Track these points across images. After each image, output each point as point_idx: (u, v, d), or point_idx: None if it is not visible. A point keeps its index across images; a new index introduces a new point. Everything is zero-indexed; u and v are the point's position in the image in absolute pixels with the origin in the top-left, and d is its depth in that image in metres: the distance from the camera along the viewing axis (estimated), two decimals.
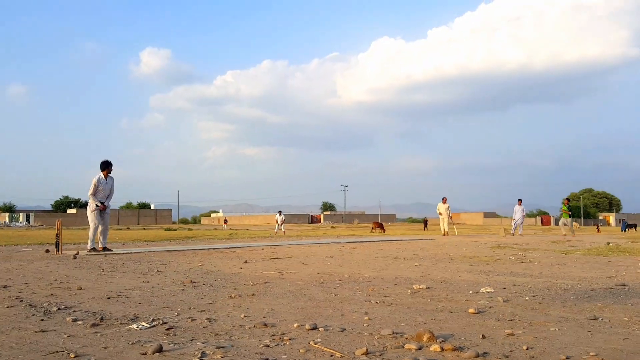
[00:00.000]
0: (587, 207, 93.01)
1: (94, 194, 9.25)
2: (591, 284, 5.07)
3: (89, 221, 9.31)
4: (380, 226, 31.09)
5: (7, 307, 3.85)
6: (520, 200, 21.06)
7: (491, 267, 6.72)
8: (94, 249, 9.25)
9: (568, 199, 20.45)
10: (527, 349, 2.56)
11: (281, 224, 28.10)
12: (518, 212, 20.78)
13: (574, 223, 20.33)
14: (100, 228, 9.33)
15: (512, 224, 21.24)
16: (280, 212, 28.33)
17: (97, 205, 9.32)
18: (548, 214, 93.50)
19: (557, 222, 23.02)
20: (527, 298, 4.18)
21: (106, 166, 9.42)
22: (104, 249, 9.40)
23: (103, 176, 9.40)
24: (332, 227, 46.18)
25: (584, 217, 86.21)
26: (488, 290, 4.61)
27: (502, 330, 2.99)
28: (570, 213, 19.73)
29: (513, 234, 20.33)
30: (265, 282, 5.23)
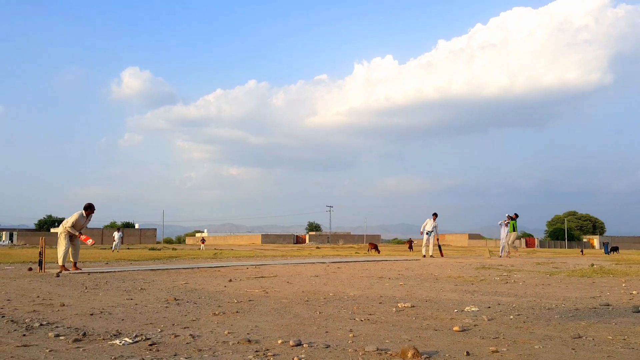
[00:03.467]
0: (572, 230, 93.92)
1: (72, 227, 9.76)
2: (575, 303, 5.12)
3: (59, 244, 9.81)
4: (375, 247, 31.16)
5: None
6: (506, 221, 20.94)
7: (476, 287, 6.75)
8: (64, 267, 9.58)
9: (515, 215, 20.32)
10: None
11: None
12: (504, 232, 20.60)
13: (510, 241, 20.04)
14: (70, 250, 9.79)
15: (500, 245, 20.99)
16: None
17: (70, 234, 9.82)
18: (532, 236, 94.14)
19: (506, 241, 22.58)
20: (511, 317, 4.21)
21: (89, 208, 10.04)
22: (75, 264, 9.81)
23: (84, 215, 9.94)
24: (317, 248, 45.97)
25: (568, 240, 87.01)
26: (473, 309, 4.63)
27: (487, 347, 3.01)
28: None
29: (501, 256, 20.04)
30: (250, 300, 5.19)
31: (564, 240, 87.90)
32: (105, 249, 35.65)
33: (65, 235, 9.76)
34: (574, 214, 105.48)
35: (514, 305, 4.91)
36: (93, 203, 10.11)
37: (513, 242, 19.38)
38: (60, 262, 9.62)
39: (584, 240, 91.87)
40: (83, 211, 9.90)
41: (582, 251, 35.44)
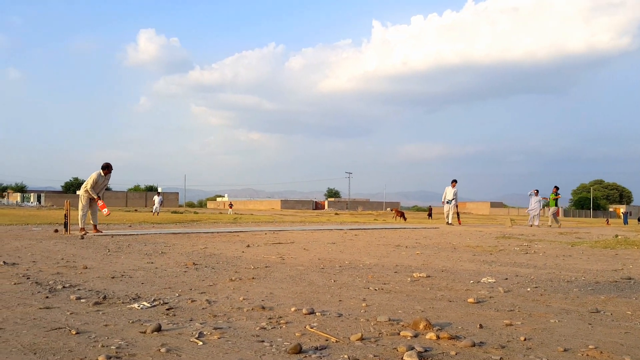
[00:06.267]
0: (598, 199, 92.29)
1: (92, 188, 9.99)
2: (596, 276, 5.04)
3: (80, 207, 10.08)
4: (402, 214, 31.13)
5: (14, 284, 3.91)
6: (536, 190, 20.72)
7: (494, 257, 6.71)
8: (83, 229, 9.84)
9: (557, 187, 19.82)
10: (525, 339, 2.56)
11: None
12: (533, 202, 20.38)
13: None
14: (89, 212, 10.06)
15: (529, 215, 20.80)
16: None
17: (91, 198, 10.07)
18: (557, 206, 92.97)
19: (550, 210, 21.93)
20: (528, 289, 4.17)
21: (107, 168, 10.23)
22: (95, 227, 10.06)
23: (102, 174, 10.14)
24: (336, 214, 46.22)
25: (593, 209, 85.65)
26: (489, 280, 4.60)
27: (501, 320, 2.99)
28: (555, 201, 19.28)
29: (531, 226, 19.92)
30: (266, 266, 5.26)
31: (590, 209, 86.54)
32: (129, 211, 36.47)
33: (85, 197, 10.00)
34: (600, 182, 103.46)
35: (532, 277, 4.86)
36: (111, 163, 10.31)
37: (555, 216, 19.17)
38: (80, 224, 9.91)
39: (610, 209, 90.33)
40: (101, 170, 10.11)
41: (607, 221, 34.87)
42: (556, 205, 19.10)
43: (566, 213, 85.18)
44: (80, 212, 10.00)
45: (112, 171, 10.35)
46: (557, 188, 19.49)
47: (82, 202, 10.02)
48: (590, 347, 2.45)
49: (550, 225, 18.27)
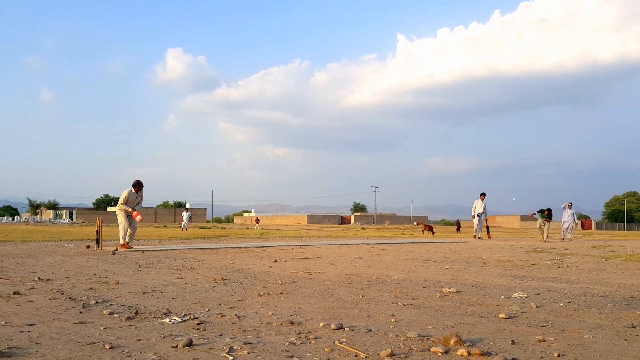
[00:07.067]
0: (632, 212, 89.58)
1: (125, 204, 10.32)
2: (631, 291, 4.90)
3: (119, 223, 10.35)
4: (430, 229, 30.80)
5: (49, 299, 4.02)
6: (570, 203, 20.28)
7: (526, 272, 6.58)
8: (123, 245, 10.09)
9: (549, 209, 18.64)
10: (559, 356, 2.51)
11: None
12: (567, 215, 19.92)
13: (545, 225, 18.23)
14: (129, 230, 10.26)
15: (562, 228, 20.28)
16: None
17: (126, 211, 10.34)
18: (589, 218, 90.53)
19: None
20: (561, 304, 4.08)
21: (137, 185, 10.52)
22: (126, 244, 10.23)
23: (134, 191, 10.43)
24: (363, 228, 46.00)
25: (627, 222, 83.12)
26: (521, 295, 4.52)
27: (534, 336, 2.93)
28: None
29: (563, 239, 19.45)
30: (294, 281, 5.28)
31: (623, 222, 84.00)
32: (158, 227, 37.05)
33: (122, 213, 10.28)
34: (634, 194, 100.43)
35: (564, 292, 4.75)
36: (141, 180, 10.56)
37: (547, 229, 18.12)
38: (121, 241, 10.15)
39: None
40: (132, 188, 10.39)
41: None
42: (547, 220, 18.11)
43: (599, 226, 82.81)
44: (121, 229, 10.23)
45: (144, 188, 10.60)
46: (549, 210, 18.46)
47: (119, 218, 10.29)
48: None
49: (545, 240, 17.28)
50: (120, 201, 10.28)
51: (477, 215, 18.76)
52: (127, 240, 10.19)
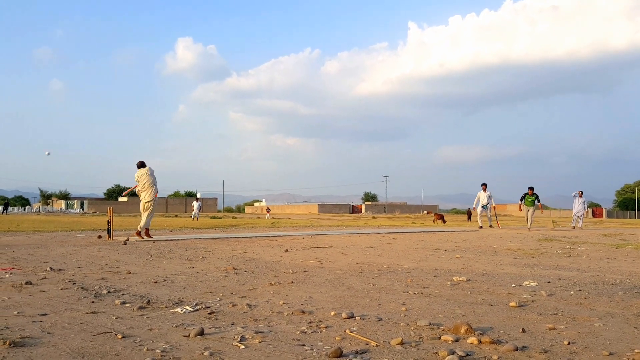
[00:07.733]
0: None
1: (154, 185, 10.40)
2: None
3: (153, 210, 10.40)
4: (441, 218, 30.73)
5: (61, 289, 4.08)
6: (581, 192, 20.10)
7: (536, 260, 6.55)
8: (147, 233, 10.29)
9: (531, 188, 17.88)
10: (569, 344, 2.51)
11: None
12: (578, 204, 19.75)
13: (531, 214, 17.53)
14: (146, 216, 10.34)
15: (573, 216, 20.13)
16: None
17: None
18: (600, 206, 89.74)
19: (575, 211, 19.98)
20: (572, 292, 4.07)
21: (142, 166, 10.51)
22: (140, 232, 10.32)
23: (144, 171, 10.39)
24: (373, 218, 45.98)
25: (638, 210, 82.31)
26: (531, 283, 4.51)
27: (544, 324, 2.93)
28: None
29: (574, 227, 19.31)
30: (305, 271, 5.30)
31: (634, 210, 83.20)
32: (169, 217, 37.31)
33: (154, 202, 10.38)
34: None
35: (575, 280, 4.73)
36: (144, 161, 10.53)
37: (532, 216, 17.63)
38: (146, 227, 10.30)
39: None
40: (149, 167, 10.44)
41: None
42: (534, 205, 17.60)
43: (610, 214, 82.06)
44: (152, 216, 10.39)
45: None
46: (531, 189, 17.89)
47: (154, 204, 10.40)
48: (636, 351, 2.38)
49: (529, 229, 16.76)
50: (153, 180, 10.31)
51: (482, 207, 18.58)
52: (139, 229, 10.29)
